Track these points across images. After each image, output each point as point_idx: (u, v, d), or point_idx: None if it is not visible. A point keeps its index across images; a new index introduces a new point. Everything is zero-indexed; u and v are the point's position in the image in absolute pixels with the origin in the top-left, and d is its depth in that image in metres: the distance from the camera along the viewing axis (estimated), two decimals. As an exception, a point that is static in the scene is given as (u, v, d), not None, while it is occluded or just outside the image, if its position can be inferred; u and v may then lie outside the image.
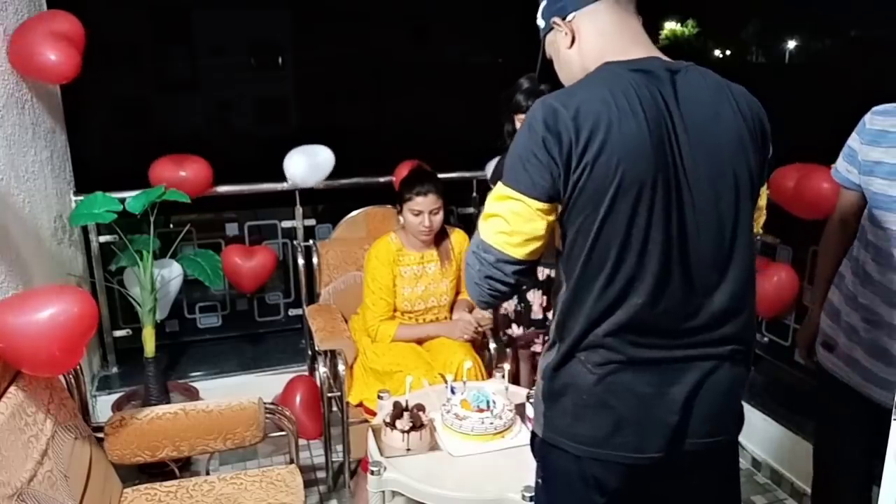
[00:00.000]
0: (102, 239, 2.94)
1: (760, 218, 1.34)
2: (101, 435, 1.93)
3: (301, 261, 3.01)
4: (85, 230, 2.95)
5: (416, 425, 1.82)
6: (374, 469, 1.75)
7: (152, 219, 2.58)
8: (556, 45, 1.29)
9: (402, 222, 2.54)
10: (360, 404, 2.46)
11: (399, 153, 3.28)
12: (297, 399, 2.81)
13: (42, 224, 2.53)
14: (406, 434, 1.80)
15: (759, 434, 2.76)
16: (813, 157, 2.74)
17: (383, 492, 1.77)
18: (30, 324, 1.51)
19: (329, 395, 2.54)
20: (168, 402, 2.69)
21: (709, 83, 1.23)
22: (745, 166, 1.21)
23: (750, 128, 1.22)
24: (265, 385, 2.94)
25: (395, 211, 2.59)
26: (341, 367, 2.44)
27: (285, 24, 15.76)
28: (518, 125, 2.45)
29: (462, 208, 3.48)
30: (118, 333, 3.14)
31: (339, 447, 2.56)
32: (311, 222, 3.26)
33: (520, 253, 1.20)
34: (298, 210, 3.15)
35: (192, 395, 2.89)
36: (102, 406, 2.86)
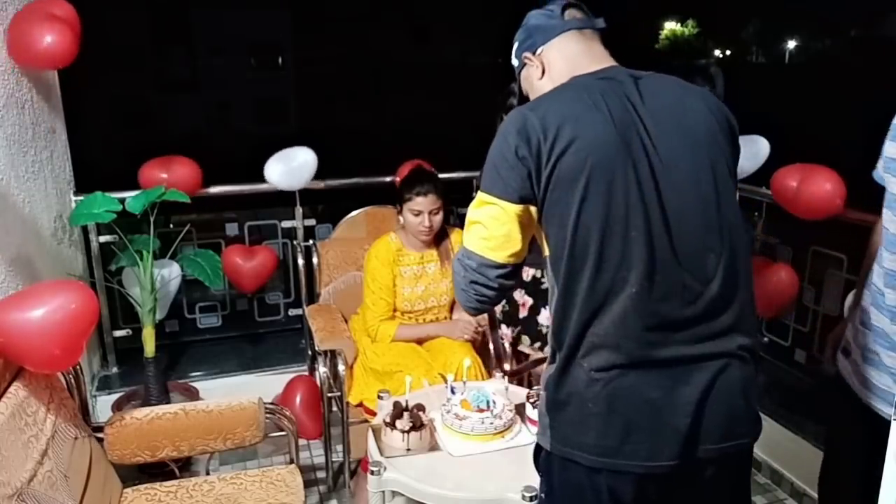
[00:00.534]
0: (102, 239, 2.94)
1: None
2: (101, 435, 1.93)
3: (301, 261, 3.01)
4: (85, 230, 2.95)
5: (416, 425, 1.82)
6: (374, 469, 1.74)
7: (152, 219, 2.58)
8: (530, 78, 1.38)
9: (402, 222, 2.54)
10: (360, 404, 2.46)
11: (399, 153, 3.28)
12: (297, 399, 2.81)
13: (42, 224, 2.53)
14: (406, 434, 1.80)
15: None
16: (814, 157, 2.74)
17: (383, 492, 1.77)
18: (30, 318, 1.51)
19: (329, 395, 2.54)
20: (168, 402, 2.69)
21: (672, 84, 1.31)
22: (722, 156, 1.26)
23: (720, 123, 1.28)
24: (265, 385, 2.94)
25: (395, 211, 2.59)
26: (341, 367, 2.43)
27: (285, 24, 15.74)
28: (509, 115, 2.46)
29: (462, 208, 3.47)
30: (118, 333, 3.14)
31: (339, 447, 2.56)
32: (311, 222, 3.26)
33: (500, 256, 1.26)
34: (298, 210, 3.15)
35: (192, 395, 2.89)
36: (102, 406, 2.86)
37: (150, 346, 2.66)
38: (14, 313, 1.51)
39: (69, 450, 1.74)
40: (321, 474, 2.75)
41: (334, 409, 2.57)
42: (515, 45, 1.40)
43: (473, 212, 1.28)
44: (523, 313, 2.57)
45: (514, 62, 1.42)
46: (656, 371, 1.20)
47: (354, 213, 2.95)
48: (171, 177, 2.81)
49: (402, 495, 1.78)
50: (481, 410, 1.88)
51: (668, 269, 1.18)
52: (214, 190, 3.06)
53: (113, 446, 1.93)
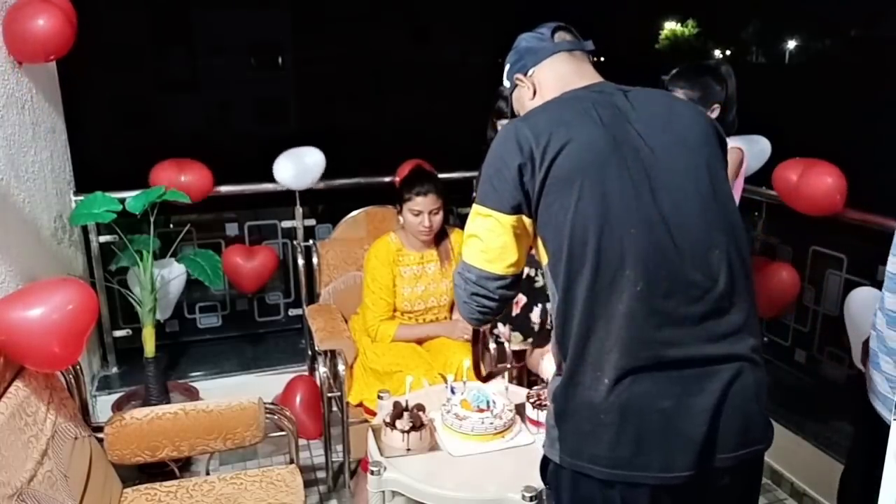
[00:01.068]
0: (102, 239, 2.94)
1: None
2: (101, 435, 1.93)
3: (301, 261, 3.01)
4: (85, 230, 2.95)
5: (416, 425, 1.82)
6: (374, 469, 1.74)
7: (152, 219, 2.58)
8: (521, 99, 1.41)
9: (401, 222, 2.54)
10: (360, 404, 2.46)
11: (399, 153, 3.28)
12: (297, 399, 2.81)
13: (42, 224, 2.53)
14: (406, 434, 1.80)
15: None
16: (812, 154, 2.74)
17: (383, 492, 1.77)
18: (30, 316, 1.51)
19: (329, 395, 2.54)
20: (168, 402, 2.69)
21: (660, 94, 1.36)
22: (715, 157, 1.28)
23: (710, 128, 1.30)
24: (265, 385, 2.95)
25: (395, 211, 2.59)
26: (341, 367, 2.44)
27: (285, 24, 15.76)
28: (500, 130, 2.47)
29: (462, 208, 3.48)
30: (118, 333, 3.14)
31: (339, 447, 2.56)
32: (311, 222, 3.26)
33: (498, 268, 1.27)
34: (298, 210, 3.15)
35: (192, 395, 2.89)
36: (102, 406, 2.86)
37: (150, 346, 2.67)
38: (14, 312, 1.52)
39: (69, 450, 1.74)
40: (321, 474, 2.75)
41: (334, 409, 2.57)
42: (507, 67, 1.43)
43: (470, 225, 1.30)
44: (516, 311, 2.58)
45: (506, 83, 1.45)
46: (669, 377, 1.17)
47: (354, 213, 2.95)
48: (184, 180, 2.83)
49: (402, 495, 1.78)
50: (481, 410, 1.88)
51: (673, 265, 1.17)
52: (221, 189, 3.06)
53: (113, 446, 1.93)
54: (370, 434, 1.90)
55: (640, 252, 1.16)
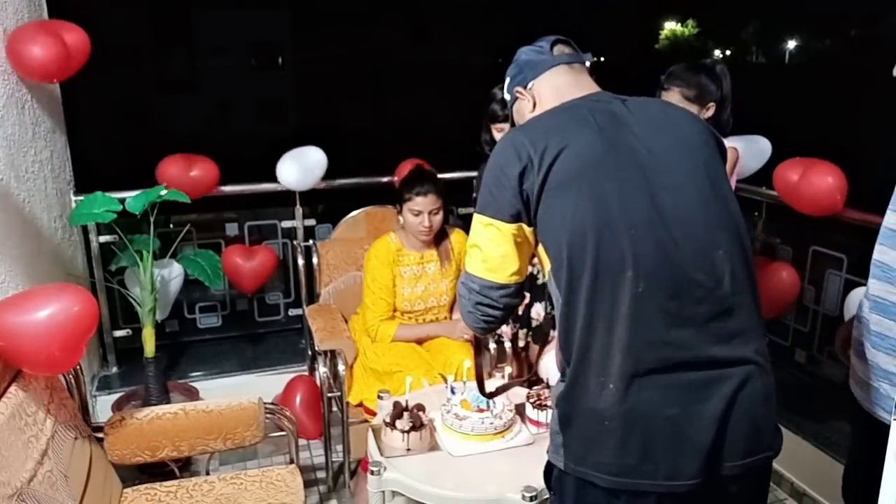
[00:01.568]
0: (102, 239, 2.94)
1: None
2: (101, 435, 1.93)
3: (301, 261, 3.01)
4: (85, 230, 2.95)
5: (416, 425, 1.82)
6: (374, 469, 1.74)
7: (152, 219, 2.58)
8: (522, 111, 1.42)
9: (401, 222, 2.54)
10: (360, 404, 2.46)
11: (399, 153, 3.28)
12: (297, 399, 2.81)
13: (42, 224, 2.53)
14: (406, 434, 1.80)
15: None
16: (811, 154, 2.74)
17: (383, 492, 1.77)
18: (30, 322, 1.51)
19: (329, 395, 2.54)
20: (168, 402, 2.69)
21: (656, 101, 1.39)
22: (713, 159, 1.28)
23: (706, 132, 1.31)
24: (265, 385, 2.94)
25: (395, 211, 2.59)
26: (341, 367, 2.44)
27: (285, 24, 15.78)
28: (494, 134, 2.49)
29: (462, 208, 3.48)
30: (118, 333, 3.14)
31: (339, 447, 2.56)
32: (311, 222, 3.26)
33: (500, 277, 1.29)
34: (298, 210, 3.15)
35: (192, 395, 2.89)
36: (102, 406, 2.86)
37: (150, 346, 2.67)
38: (14, 316, 1.51)
39: (69, 450, 1.74)
40: (321, 474, 2.75)
41: (334, 409, 2.57)
42: (507, 80, 1.45)
43: (472, 235, 1.32)
44: (521, 310, 2.58)
45: (507, 96, 1.47)
46: (676, 382, 1.16)
47: (354, 213, 2.95)
48: (194, 174, 2.84)
49: (402, 495, 1.78)
50: (481, 410, 1.88)
51: (675, 265, 1.17)
52: (222, 189, 3.05)
53: (113, 446, 1.93)
54: (370, 434, 1.90)
55: (640, 253, 1.16)
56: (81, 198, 2.72)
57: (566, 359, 1.23)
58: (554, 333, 1.32)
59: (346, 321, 2.72)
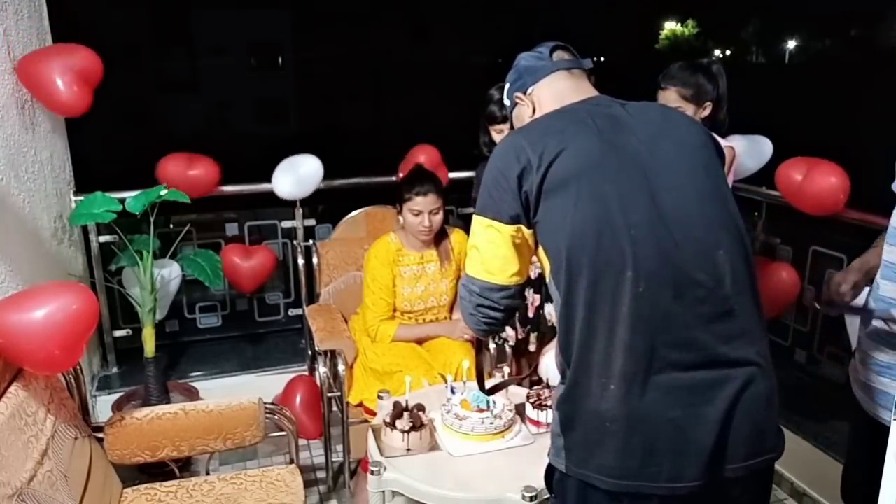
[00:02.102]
0: (102, 239, 2.94)
1: None
2: (101, 435, 1.93)
3: (301, 261, 3.01)
4: (85, 230, 2.95)
5: (416, 425, 1.82)
6: (374, 469, 1.74)
7: (152, 219, 2.58)
8: (521, 116, 1.43)
9: (401, 222, 2.54)
10: (360, 404, 2.46)
11: (399, 153, 3.28)
12: (297, 399, 2.81)
13: (42, 224, 2.53)
14: (406, 434, 1.80)
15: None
16: (811, 154, 2.74)
17: (383, 492, 1.77)
18: (30, 320, 1.51)
19: (329, 395, 2.54)
20: (168, 402, 2.69)
21: (656, 105, 1.40)
22: (712, 161, 1.29)
23: (705, 135, 1.32)
24: (265, 385, 2.94)
25: (395, 211, 2.59)
26: (341, 367, 2.44)
27: (285, 24, 15.78)
28: (493, 135, 2.50)
29: (462, 208, 3.48)
30: (118, 333, 3.14)
31: (339, 447, 2.56)
32: (311, 222, 3.26)
33: (501, 279, 1.29)
34: (298, 210, 3.14)
35: (192, 395, 2.89)
36: (102, 406, 2.86)
37: (150, 346, 2.67)
38: (14, 315, 1.51)
39: (69, 450, 1.74)
40: (321, 474, 2.75)
41: (334, 409, 2.57)
42: (507, 86, 1.46)
43: (472, 237, 1.33)
44: (531, 312, 2.57)
45: (507, 102, 1.48)
46: (678, 384, 1.15)
47: (354, 213, 2.95)
48: (193, 173, 2.84)
49: (402, 495, 1.78)
50: (481, 410, 1.88)
51: (676, 266, 1.16)
52: (222, 189, 3.05)
53: (113, 446, 1.93)
54: (370, 434, 1.90)
55: (640, 253, 1.15)
56: (81, 198, 2.72)
57: (566, 360, 1.22)
58: None
59: (346, 321, 2.72)
